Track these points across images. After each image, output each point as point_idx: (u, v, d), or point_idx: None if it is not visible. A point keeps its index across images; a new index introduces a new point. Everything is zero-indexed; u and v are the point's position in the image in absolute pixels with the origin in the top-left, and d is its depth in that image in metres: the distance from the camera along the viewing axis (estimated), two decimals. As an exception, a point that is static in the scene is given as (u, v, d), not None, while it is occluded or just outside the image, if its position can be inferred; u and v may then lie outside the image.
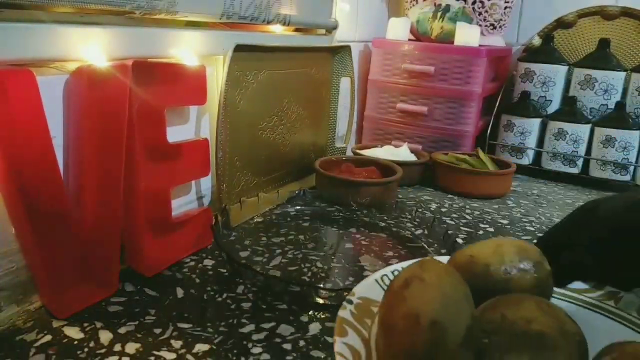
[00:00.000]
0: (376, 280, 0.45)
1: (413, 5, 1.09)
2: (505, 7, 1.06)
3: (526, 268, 0.36)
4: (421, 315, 0.30)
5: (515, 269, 0.36)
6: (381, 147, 0.98)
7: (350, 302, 0.41)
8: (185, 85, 0.56)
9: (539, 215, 0.81)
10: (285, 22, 0.73)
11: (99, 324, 0.44)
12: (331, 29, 0.88)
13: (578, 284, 0.45)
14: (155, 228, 0.53)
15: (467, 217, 0.78)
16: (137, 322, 0.45)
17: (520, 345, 0.29)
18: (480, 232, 0.72)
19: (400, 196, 0.85)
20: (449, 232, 0.64)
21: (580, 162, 1.01)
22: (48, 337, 0.42)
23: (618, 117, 0.97)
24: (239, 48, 0.62)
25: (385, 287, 0.44)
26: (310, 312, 0.48)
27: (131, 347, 0.41)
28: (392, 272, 0.46)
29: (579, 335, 0.30)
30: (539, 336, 0.29)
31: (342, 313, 0.40)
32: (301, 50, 0.79)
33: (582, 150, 1.00)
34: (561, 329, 0.29)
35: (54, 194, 0.42)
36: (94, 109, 0.44)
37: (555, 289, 0.40)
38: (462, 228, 0.73)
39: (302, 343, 0.43)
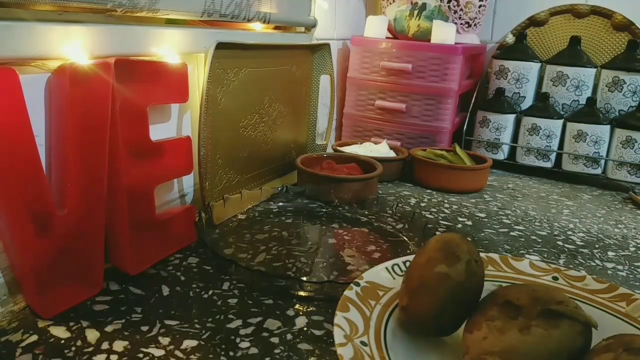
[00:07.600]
0: (387, 268, 0.47)
1: (390, 3, 1.11)
2: (480, 6, 1.08)
3: None
4: None
5: None
6: (361, 144, 0.99)
7: (358, 284, 0.43)
8: (167, 83, 0.55)
9: (515, 208, 0.84)
10: (266, 20, 0.73)
11: (85, 323, 0.44)
12: (310, 26, 0.88)
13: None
14: (139, 226, 0.53)
15: (446, 211, 0.80)
16: (123, 321, 0.45)
17: None
18: (459, 225, 0.74)
19: (380, 192, 0.87)
20: (429, 225, 0.66)
21: (553, 157, 1.04)
22: (34, 337, 0.41)
23: (589, 113, 1.00)
24: (220, 46, 0.62)
25: (395, 276, 0.46)
26: (297, 306, 0.49)
27: (119, 345, 0.41)
28: (404, 263, 0.47)
29: None
30: None
31: (347, 293, 0.41)
32: (281, 47, 0.80)
33: (554, 144, 1.03)
34: None
35: (37, 193, 0.42)
36: (77, 108, 0.44)
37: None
38: (441, 222, 0.75)
39: (289, 336, 0.44)
